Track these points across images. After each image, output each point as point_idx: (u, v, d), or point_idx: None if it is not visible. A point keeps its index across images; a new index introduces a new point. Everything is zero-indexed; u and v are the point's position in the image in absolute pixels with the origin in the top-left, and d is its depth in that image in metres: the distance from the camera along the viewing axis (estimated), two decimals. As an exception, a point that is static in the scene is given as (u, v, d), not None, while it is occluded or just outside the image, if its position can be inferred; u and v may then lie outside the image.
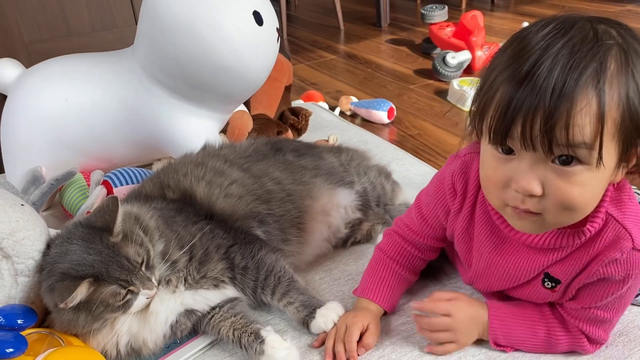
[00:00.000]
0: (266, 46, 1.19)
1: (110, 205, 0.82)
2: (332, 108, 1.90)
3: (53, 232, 0.89)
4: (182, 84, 1.20)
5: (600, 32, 0.59)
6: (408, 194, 1.18)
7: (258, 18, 1.15)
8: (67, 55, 1.30)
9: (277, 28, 1.22)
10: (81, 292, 0.76)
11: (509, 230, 0.75)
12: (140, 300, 0.81)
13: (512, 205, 0.66)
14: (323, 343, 0.86)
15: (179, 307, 0.86)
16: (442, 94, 2.02)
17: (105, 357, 0.80)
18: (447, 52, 2.14)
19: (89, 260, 0.78)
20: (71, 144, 1.23)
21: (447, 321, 0.80)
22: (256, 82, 1.24)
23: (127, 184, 1.18)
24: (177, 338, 0.88)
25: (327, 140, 1.51)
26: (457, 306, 0.80)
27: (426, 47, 2.53)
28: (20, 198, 0.95)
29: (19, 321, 0.79)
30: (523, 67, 0.59)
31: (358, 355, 0.83)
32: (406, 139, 1.70)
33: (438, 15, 2.51)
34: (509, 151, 0.63)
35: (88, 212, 1.05)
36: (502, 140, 0.62)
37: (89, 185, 1.19)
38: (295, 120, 1.55)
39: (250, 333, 0.84)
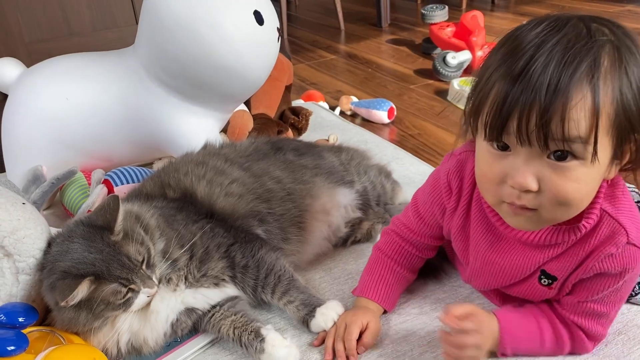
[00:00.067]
0: (267, 46, 1.20)
1: (111, 204, 0.82)
2: (333, 108, 1.90)
3: (54, 230, 0.89)
4: (183, 84, 1.20)
5: (593, 29, 0.60)
6: (408, 193, 1.18)
7: (259, 17, 1.16)
8: (67, 54, 1.30)
9: (277, 28, 1.22)
10: (82, 290, 0.76)
11: (505, 228, 0.75)
12: (141, 299, 0.81)
13: (508, 202, 0.66)
14: (323, 342, 0.86)
15: (179, 305, 0.86)
16: (443, 94, 2.02)
17: (106, 355, 0.80)
18: (448, 52, 2.14)
19: (90, 259, 0.78)
20: (72, 143, 1.24)
21: (477, 339, 0.75)
22: (256, 82, 1.25)
23: (128, 183, 1.19)
24: (177, 336, 0.88)
25: (328, 140, 1.52)
26: (481, 322, 0.76)
27: (426, 47, 2.53)
28: (22, 197, 0.95)
29: (20, 319, 0.79)
30: (518, 64, 0.60)
31: (358, 353, 0.84)
32: (406, 139, 1.70)
33: (438, 15, 2.52)
34: (504, 147, 0.64)
35: (89, 210, 1.05)
36: (497, 136, 0.63)
37: (89, 184, 1.20)
38: (296, 119, 1.55)
39: (251, 331, 0.84)
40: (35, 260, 0.84)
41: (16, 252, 0.82)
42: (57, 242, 0.84)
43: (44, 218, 0.92)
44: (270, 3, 1.23)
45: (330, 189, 1.05)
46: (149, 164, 1.39)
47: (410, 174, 1.35)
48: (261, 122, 1.47)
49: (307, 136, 1.55)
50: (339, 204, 1.05)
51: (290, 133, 1.52)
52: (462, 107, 0.71)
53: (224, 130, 1.42)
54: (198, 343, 0.88)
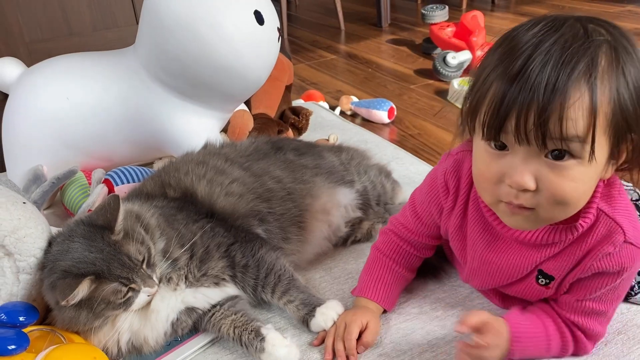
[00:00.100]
0: (267, 45, 1.20)
1: (112, 204, 0.82)
2: (333, 108, 1.90)
3: (54, 230, 0.89)
4: (183, 83, 1.20)
5: (590, 29, 0.61)
6: (408, 193, 1.16)
7: (259, 17, 1.16)
8: (68, 54, 1.30)
9: (278, 27, 1.22)
10: (82, 289, 0.76)
11: (502, 227, 0.75)
12: (141, 298, 0.81)
13: (505, 201, 0.66)
14: (323, 341, 0.86)
15: (179, 304, 0.86)
16: (443, 94, 2.02)
17: (107, 354, 0.80)
18: (448, 52, 2.14)
19: (90, 258, 0.79)
20: (72, 142, 1.24)
21: (498, 354, 0.74)
22: (257, 82, 1.25)
23: (128, 182, 1.19)
24: (178, 336, 0.88)
25: (328, 140, 1.52)
26: (500, 334, 0.75)
27: (427, 47, 2.53)
28: (22, 196, 0.95)
29: (21, 318, 0.79)
30: (516, 63, 0.60)
31: (358, 353, 0.84)
32: (406, 139, 1.70)
33: (438, 15, 2.52)
34: (502, 147, 0.64)
35: (89, 210, 1.05)
36: (495, 135, 0.63)
37: (90, 183, 1.20)
38: (296, 119, 1.55)
39: (251, 331, 0.84)
40: (35, 260, 0.84)
41: (17, 251, 0.82)
42: (57, 242, 0.84)
43: (45, 217, 0.92)
44: (271, 3, 1.23)
45: (330, 188, 1.05)
46: (149, 164, 1.40)
47: (410, 173, 1.35)
48: (261, 121, 1.47)
49: (307, 136, 1.56)
50: (339, 203, 1.06)
51: (290, 133, 1.53)
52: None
53: (225, 130, 1.42)
54: (198, 342, 0.88)
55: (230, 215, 0.95)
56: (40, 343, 0.79)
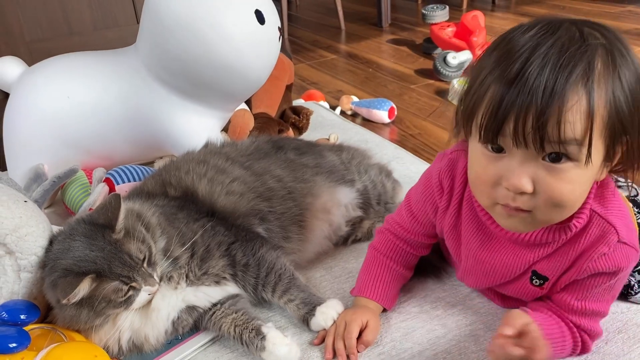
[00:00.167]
0: (267, 45, 1.20)
1: (113, 202, 0.82)
2: (333, 107, 1.90)
3: (55, 229, 0.89)
4: (184, 83, 1.20)
5: (586, 33, 0.61)
6: (408, 193, 1.18)
7: (260, 17, 1.16)
8: (69, 53, 1.30)
9: (278, 27, 1.22)
10: (83, 288, 0.76)
11: (495, 227, 0.75)
12: (142, 297, 0.82)
13: (502, 204, 0.66)
14: (323, 340, 0.87)
15: (180, 303, 0.86)
16: (443, 93, 2.03)
17: (107, 352, 0.80)
18: (448, 52, 2.14)
19: (91, 257, 0.79)
20: (73, 141, 1.24)
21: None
22: (257, 81, 1.25)
23: (129, 181, 1.19)
24: (178, 334, 0.88)
25: (328, 139, 1.52)
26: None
27: (427, 47, 2.53)
28: (23, 195, 0.95)
29: (22, 316, 0.79)
30: (513, 67, 0.60)
31: (358, 352, 0.84)
32: (407, 139, 1.71)
33: (439, 15, 2.52)
34: (499, 149, 0.64)
35: (90, 209, 1.05)
36: (493, 138, 0.63)
37: (91, 182, 1.20)
38: (297, 119, 1.56)
39: (252, 329, 0.84)
40: (37, 258, 0.84)
41: (18, 250, 0.82)
42: (58, 240, 0.84)
43: (46, 216, 0.92)
44: (272, 2, 1.23)
45: (331, 187, 1.06)
46: (150, 163, 1.40)
47: (411, 173, 1.36)
48: (262, 121, 1.47)
49: (308, 135, 1.56)
50: (339, 202, 1.06)
51: (291, 132, 1.53)
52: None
53: (225, 129, 1.42)
54: (199, 341, 0.89)
55: (231, 214, 0.95)
56: (41, 341, 0.79)
